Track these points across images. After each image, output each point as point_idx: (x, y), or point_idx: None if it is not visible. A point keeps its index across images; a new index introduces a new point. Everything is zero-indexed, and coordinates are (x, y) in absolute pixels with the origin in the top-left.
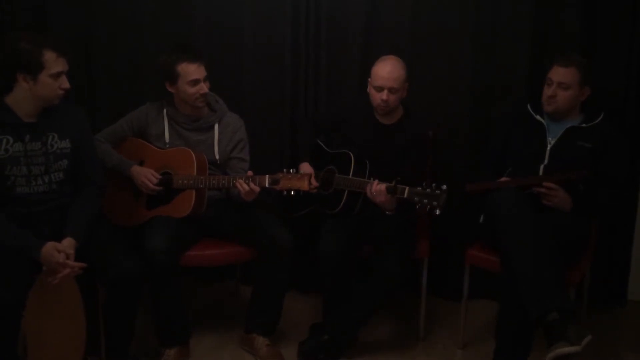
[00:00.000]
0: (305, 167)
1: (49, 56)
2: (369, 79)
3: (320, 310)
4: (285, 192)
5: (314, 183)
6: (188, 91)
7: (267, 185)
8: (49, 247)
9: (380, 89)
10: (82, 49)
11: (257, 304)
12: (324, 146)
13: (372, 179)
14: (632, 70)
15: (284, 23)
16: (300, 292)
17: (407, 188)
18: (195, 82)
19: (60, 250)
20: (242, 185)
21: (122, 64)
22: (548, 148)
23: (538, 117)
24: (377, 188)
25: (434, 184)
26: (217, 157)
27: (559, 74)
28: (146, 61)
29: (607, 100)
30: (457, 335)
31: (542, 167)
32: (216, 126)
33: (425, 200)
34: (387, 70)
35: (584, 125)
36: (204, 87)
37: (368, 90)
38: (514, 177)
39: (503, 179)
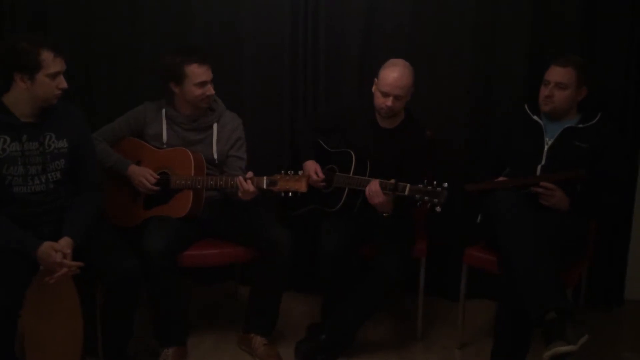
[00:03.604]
0: (310, 165)
1: (46, 56)
2: (376, 80)
3: (318, 311)
4: (283, 194)
5: (321, 176)
6: (194, 93)
7: (264, 186)
8: (46, 246)
9: (386, 95)
10: (81, 49)
11: (255, 304)
12: (324, 145)
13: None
14: (631, 70)
15: (282, 24)
16: (298, 292)
17: (408, 185)
18: (203, 84)
19: (57, 250)
20: (243, 184)
21: (122, 64)
22: (545, 148)
23: (535, 117)
24: (373, 189)
25: (434, 182)
26: (215, 156)
27: (557, 74)
28: (145, 62)
29: (605, 100)
30: (455, 334)
31: (539, 167)
32: (215, 125)
33: (426, 198)
34: (394, 77)
35: (581, 125)
36: (210, 89)
37: (373, 90)
38: (512, 177)
39: (501, 178)
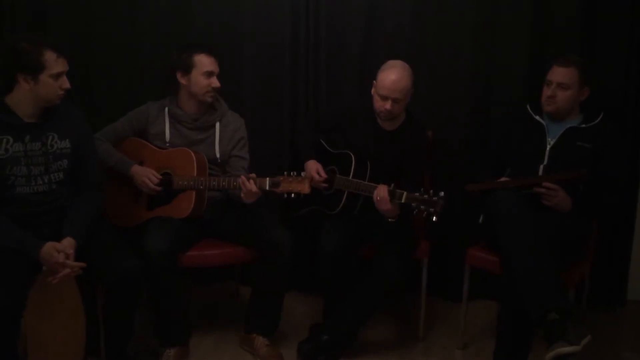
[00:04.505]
0: (311, 164)
1: (49, 56)
2: (374, 82)
3: (320, 311)
4: (285, 195)
5: (323, 176)
6: (201, 82)
7: (267, 188)
8: (49, 247)
9: (384, 98)
10: (81, 49)
11: (256, 304)
12: (326, 146)
13: (372, 182)
14: (632, 70)
15: (282, 23)
16: (300, 292)
17: (405, 193)
18: (210, 73)
19: (60, 250)
20: (245, 184)
21: (122, 64)
22: (547, 148)
23: (537, 117)
24: (382, 196)
25: (431, 190)
26: (217, 155)
27: (559, 74)
28: (145, 62)
29: (606, 100)
30: (456, 335)
31: (541, 167)
32: (217, 125)
33: (423, 207)
34: (392, 80)
35: (583, 125)
36: (216, 82)
37: (372, 92)
38: (513, 177)
39: (503, 179)
